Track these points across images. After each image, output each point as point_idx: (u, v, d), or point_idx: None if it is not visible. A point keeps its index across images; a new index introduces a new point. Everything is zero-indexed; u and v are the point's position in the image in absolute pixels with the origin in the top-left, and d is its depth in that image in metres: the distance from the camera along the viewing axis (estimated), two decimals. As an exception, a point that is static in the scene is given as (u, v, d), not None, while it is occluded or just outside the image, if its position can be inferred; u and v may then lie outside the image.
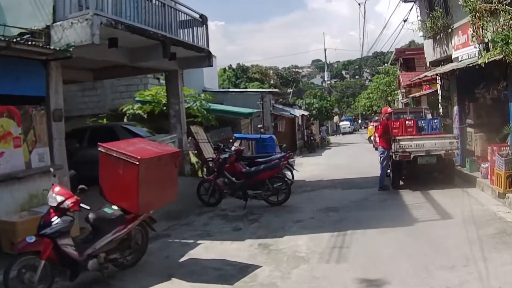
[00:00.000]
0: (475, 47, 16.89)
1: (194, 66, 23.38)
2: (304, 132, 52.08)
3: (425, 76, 25.01)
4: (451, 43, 21.25)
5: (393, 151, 17.70)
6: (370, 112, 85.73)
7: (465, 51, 19.11)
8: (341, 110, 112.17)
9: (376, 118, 71.44)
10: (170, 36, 16.65)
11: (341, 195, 18.22)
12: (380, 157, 18.52)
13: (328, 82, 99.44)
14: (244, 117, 29.32)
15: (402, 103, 53.86)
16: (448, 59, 22.11)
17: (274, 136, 26.82)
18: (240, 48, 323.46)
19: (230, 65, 79.13)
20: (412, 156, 17.53)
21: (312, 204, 16.57)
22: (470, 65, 16.27)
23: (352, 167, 28.20)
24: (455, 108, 22.18)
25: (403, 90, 51.42)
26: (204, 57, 20.46)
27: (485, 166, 16.79)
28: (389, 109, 20.39)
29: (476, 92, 19.56)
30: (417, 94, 39.26)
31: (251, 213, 15.57)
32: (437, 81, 26.36)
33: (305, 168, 29.20)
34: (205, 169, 21.71)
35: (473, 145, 19.66)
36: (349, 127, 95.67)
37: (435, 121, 20.63)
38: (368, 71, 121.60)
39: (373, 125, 50.50)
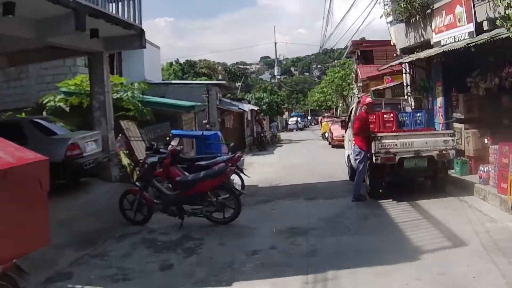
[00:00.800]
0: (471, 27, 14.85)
1: (123, 47, 20.47)
2: (253, 129, 49.86)
3: (401, 63, 22.27)
4: (431, 25, 18.55)
5: (373, 152, 14.34)
6: (324, 107, 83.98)
7: (450, 33, 16.50)
8: (291, 106, 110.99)
9: (327, 114, 69.59)
10: (86, 3, 13.22)
11: (307, 209, 14.59)
12: (356, 160, 14.98)
13: (278, 76, 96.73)
14: (185, 111, 25.34)
15: (358, 98, 50.24)
16: (426, 45, 19.45)
17: (219, 133, 22.82)
18: (189, 44, 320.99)
19: (177, 59, 78.37)
20: (397, 158, 14.28)
21: (270, 222, 12.74)
22: (471, 44, 13.48)
23: (311, 168, 25.50)
24: (439, 100, 19.06)
25: (360, 84, 49.74)
26: (135, 36, 17.11)
27: (485, 170, 13.88)
28: (369, 99, 16.62)
29: (469, 81, 16.59)
30: (380, 87, 36.52)
31: (189, 236, 11.66)
32: (407, 71, 23.70)
33: (257, 169, 25.49)
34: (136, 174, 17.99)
35: (463, 144, 16.40)
36: (299, 123, 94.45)
37: (419, 114, 17.53)
38: (319, 66, 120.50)
39: (327, 121, 49.66)
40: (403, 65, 23.13)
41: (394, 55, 26.58)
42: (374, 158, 14.27)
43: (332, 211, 13.79)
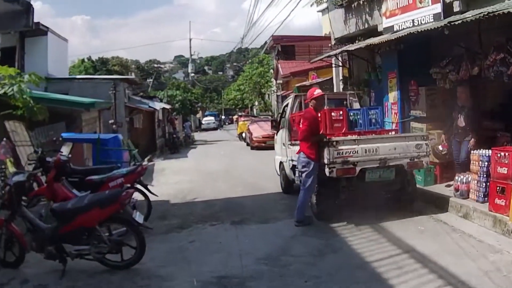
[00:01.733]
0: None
1: (5, 26, 17.14)
2: (165, 129, 46.12)
3: (343, 52, 19.50)
4: (379, 9, 17.04)
5: (326, 161, 10.94)
6: (240, 106, 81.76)
7: (407, 17, 15.00)
8: (204, 104, 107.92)
9: (240, 113, 67.16)
10: None
11: (237, 241, 10.75)
12: (302, 173, 11.47)
13: (192, 74, 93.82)
14: (84, 109, 20.82)
15: (278, 96, 50.25)
16: (370, 32, 17.79)
17: (120, 136, 18.40)
18: (105, 43, 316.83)
19: (90, 56, 75.43)
20: (358, 169, 11.13)
21: (187, 266, 9.04)
22: (455, 23, 11.36)
23: (233, 175, 21.97)
24: (392, 95, 16.50)
25: (280, 81, 49.00)
26: (20, 13, 15.23)
27: (464, 180, 11.73)
28: (319, 90, 12.66)
29: (434, 71, 14.09)
30: (306, 83, 34.36)
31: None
32: (343, 64, 21.99)
33: (169, 178, 22.10)
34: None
35: (424, 147, 13.49)
36: (213, 122, 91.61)
37: (374, 111, 14.52)
38: (234, 64, 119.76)
39: (244, 121, 47.33)
40: (338, 57, 21.06)
41: (329, 45, 23.62)
42: (327, 170, 10.90)
43: (272, 243, 10.18)
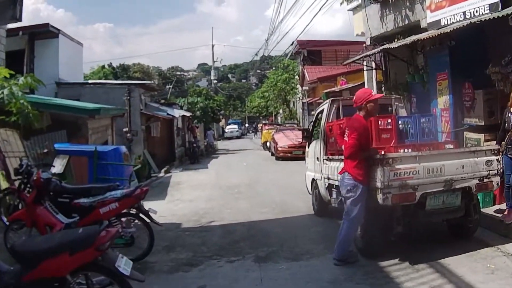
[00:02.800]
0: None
1: None
2: (185, 137, 44.31)
3: (382, 50, 16.91)
4: (421, 2, 15.27)
5: (379, 185, 8.54)
6: (264, 114, 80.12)
7: (456, 9, 13.12)
8: (227, 112, 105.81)
9: (264, 121, 65.76)
10: None
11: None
12: (347, 199, 9.00)
13: (215, 81, 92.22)
14: (88, 116, 18.67)
15: (304, 103, 48.95)
16: (411, 29, 16.03)
17: (123, 149, 16.13)
18: (127, 50, 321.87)
19: (110, 62, 74.60)
20: (418, 195, 8.73)
21: None
22: None
23: (256, 191, 19.80)
24: (442, 100, 14.46)
25: (306, 88, 47.14)
26: (5, 4, 14.01)
27: None
28: (373, 93, 10.31)
29: (492, 71, 12.11)
30: (335, 89, 32.44)
31: None
32: (377, 66, 19.89)
33: (184, 193, 20.02)
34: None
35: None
36: (237, 131, 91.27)
37: (426, 119, 11.51)
38: (258, 71, 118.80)
39: (268, 129, 45.40)
40: (372, 59, 19.45)
41: (364, 45, 21.25)
42: (380, 196, 8.52)
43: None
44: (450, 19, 13.29)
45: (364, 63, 20.83)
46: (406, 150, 9.46)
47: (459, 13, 12.89)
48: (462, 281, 7.77)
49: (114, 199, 9.58)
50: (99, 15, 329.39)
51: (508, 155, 9.72)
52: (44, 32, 24.66)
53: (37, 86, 14.30)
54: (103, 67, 64.77)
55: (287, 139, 34.28)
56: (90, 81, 35.20)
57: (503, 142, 9.96)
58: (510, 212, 9.71)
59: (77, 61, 32.08)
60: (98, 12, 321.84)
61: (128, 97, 27.04)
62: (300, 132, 24.89)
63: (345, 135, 9.14)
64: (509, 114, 9.67)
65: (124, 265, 6.31)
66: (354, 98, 9.33)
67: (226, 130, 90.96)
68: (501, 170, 9.53)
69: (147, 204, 13.70)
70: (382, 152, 9.03)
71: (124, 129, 25.63)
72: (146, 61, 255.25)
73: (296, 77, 54.47)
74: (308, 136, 14.37)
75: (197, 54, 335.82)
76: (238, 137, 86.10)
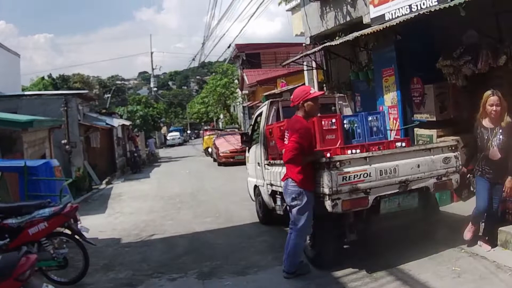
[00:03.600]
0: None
1: None
2: (126, 147, 43.02)
3: (323, 49, 16.48)
4: None
5: (327, 192, 7.85)
6: (204, 120, 79.81)
7: (401, 3, 12.80)
8: (169, 120, 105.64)
9: (208, 127, 65.62)
10: None
11: None
12: (292, 207, 8.34)
13: (155, 88, 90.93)
14: (21, 129, 17.58)
15: (245, 107, 49.24)
16: (353, 26, 15.58)
17: (55, 162, 15.09)
18: (68, 60, 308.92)
19: (50, 74, 74.57)
20: (371, 199, 8.11)
21: None
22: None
23: (199, 200, 19.04)
24: (389, 96, 13.95)
25: (246, 92, 47.22)
26: None
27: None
28: (312, 91, 9.59)
29: (443, 64, 11.54)
30: (275, 91, 32.47)
31: None
32: (312, 67, 20.42)
33: (125, 205, 19.17)
34: None
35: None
36: (178, 138, 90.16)
37: (374, 117, 10.69)
38: (198, 77, 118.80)
39: (209, 135, 45.03)
40: (312, 58, 19.47)
41: (303, 45, 20.83)
42: (329, 203, 7.83)
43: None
44: (395, 13, 12.95)
45: (305, 63, 20.46)
46: (354, 151, 8.83)
47: (404, 6, 12.58)
48: (425, 286, 7.35)
49: (43, 218, 8.81)
50: (40, 26, 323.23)
51: (486, 177, 8.69)
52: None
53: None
54: (42, 78, 64.39)
55: (228, 144, 33.81)
56: (26, 93, 34.06)
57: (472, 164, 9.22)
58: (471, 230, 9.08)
59: (14, 73, 31.41)
60: (38, 23, 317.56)
61: (65, 108, 26.04)
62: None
63: (285, 138, 8.38)
64: (481, 129, 8.68)
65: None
66: (292, 97, 8.62)
67: (168, 138, 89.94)
68: (460, 167, 9.05)
69: (87, 219, 12.99)
70: (328, 155, 8.37)
71: (63, 141, 24.74)
72: (87, 71, 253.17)
73: (236, 81, 54.18)
74: (248, 140, 13.64)
75: (138, 63, 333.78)
76: (180, 144, 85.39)
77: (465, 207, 10.48)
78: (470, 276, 7.59)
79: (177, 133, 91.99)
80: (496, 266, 7.86)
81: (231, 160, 31.79)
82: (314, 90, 8.47)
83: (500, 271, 7.62)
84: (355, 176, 7.85)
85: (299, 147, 7.85)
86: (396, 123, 13.35)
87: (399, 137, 12.84)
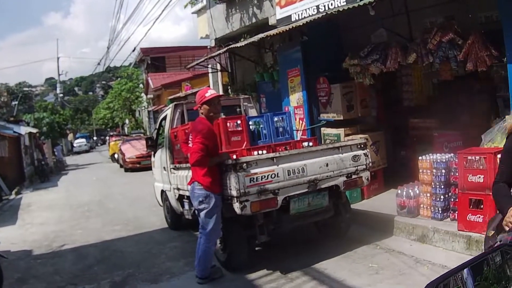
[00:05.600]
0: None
1: None
2: (33, 155, 41.66)
3: (228, 51, 16.23)
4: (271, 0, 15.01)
5: (235, 194, 7.76)
6: (110, 125, 78.54)
7: (308, 3, 12.81)
8: (75, 126, 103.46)
9: (113, 133, 64.77)
10: None
11: None
12: (200, 211, 8.19)
13: (61, 94, 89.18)
14: None
15: (150, 111, 49.31)
16: (259, 28, 15.79)
17: None
18: None
19: None
20: (280, 199, 8.06)
21: None
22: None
23: (107, 207, 18.52)
24: (295, 97, 14.02)
25: (151, 96, 47.77)
26: None
27: (411, 194, 9.62)
28: (211, 92, 9.30)
29: (350, 64, 11.88)
30: (180, 94, 32.40)
31: None
32: (217, 69, 20.55)
33: (35, 216, 18.43)
34: None
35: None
36: (85, 144, 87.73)
37: (280, 118, 10.78)
38: (103, 82, 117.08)
39: (115, 141, 44.31)
40: (217, 61, 19.19)
41: (208, 48, 20.70)
42: (237, 205, 7.76)
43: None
44: (302, 13, 12.94)
45: (209, 66, 20.27)
46: (260, 152, 8.82)
47: (312, 7, 12.56)
48: (346, 286, 7.33)
49: None
50: None
51: None
52: None
53: None
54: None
55: (134, 149, 33.40)
56: None
57: None
58: None
59: None
60: None
61: (-29, 117, 24.98)
62: (146, 141, 24.15)
63: (189, 141, 8.29)
64: None
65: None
66: (196, 99, 8.55)
67: (75, 145, 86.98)
68: (370, 165, 9.18)
69: (-2, 231, 12.47)
70: (234, 157, 8.31)
71: (-32, 151, 23.37)
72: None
73: (141, 85, 53.44)
74: (153, 145, 13.48)
75: (44, 69, 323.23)
76: (87, 151, 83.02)
77: (375, 204, 10.88)
78: (389, 271, 7.66)
79: (84, 140, 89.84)
80: (415, 261, 7.97)
81: (138, 165, 31.40)
82: (211, 93, 8.30)
83: (419, 265, 7.73)
84: (263, 177, 7.78)
85: (204, 148, 7.72)
86: (302, 123, 13.35)
87: (305, 137, 12.75)
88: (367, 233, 9.70)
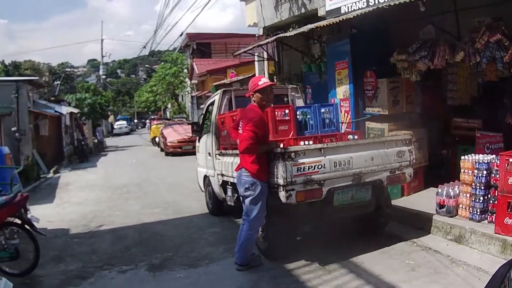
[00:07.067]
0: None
1: None
2: (73, 135, 41.83)
3: (276, 40, 16.06)
4: None
5: (282, 182, 7.69)
6: (152, 109, 78.63)
7: None
8: (116, 108, 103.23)
9: (153, 116, 64.93)
10: None
11: None
12: (245, 198, 8.12)
13: (104, 76, 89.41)
14: None
15: (193, 97, 48.53)
16: (308, 18, 15.33)
17: (6, 149, 14.68)
18: (20, 47, 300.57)
19: (3, 60, 72.26)
20: (325, 190, 7.98)
21: None
22: None
23: (147, 190, 18.54)
24: (341, 89, 13.61)
25: (195, 81, 46.83)
26: None
27: (451, 193, 9.35)
28: (264, 80, 8.91)
29: (398, 59, 11.49)
30: (225, 81, 31.75)
31: None
32: (264, 58, 20.35)
33: (73, 195, 18.49)
34: None
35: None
36: (126, 127, 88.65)
37: (327, 109, 10.50)
38: (147, 66, 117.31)
39: (157, 124, 44.39)
40: (265, 49, 19.08)
41: (256, 36, 20.57)
42: (283, 194, 7.69)
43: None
44: (351, 6, 12.69)
45: (256, 54, 20.16)
46: (307, 143, 8.74)
47: (361, 0, 12.31)
48: (382, 281, 7.18)
49: None
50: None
51: None
52: None
53: None
54: (-6, 64, 62.30)
55: (176, 133, 33.43)
56: (-27, 79, 33.10)
57: None
58: None
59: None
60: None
61: (16, 95, 25.28)
62: (189, 126, 23.98)
63: (239, 128, 8.25)
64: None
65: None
66: (248, 86, 8.48)
67: (115, 127, 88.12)
68: (413, 161, 9.03)
69: (36, 208, 12.57)
70: (282, 146, 8.22)
71: (13, 129, 23.88)
72: (38, 58, 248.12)
73: (185, 70, 53.41)
74: (198, 130, 13.48)
75: (87, 50, 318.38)
76: (127, 133, 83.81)
77: (415, 201, 10.60)
78: (425, 269, 7.53)
79: (124, 122, 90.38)
80: (450, 261, 7.82)
81: (179, 150, 31.52)
82: (265, 81, 8.25)
83: (455, 265, 7.57)
84: (310, 167, 7.73)
85: (254, 136, 7.65)
86: (347, 116, 13.14)
87: (350, 129, 12.51)
88: (404, 230, 9.66)
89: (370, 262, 7.91)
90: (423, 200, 10.42)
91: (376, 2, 11.56)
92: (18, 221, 8.89)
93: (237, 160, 8.38)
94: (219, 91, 12.30)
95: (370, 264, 7.79)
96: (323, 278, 7.44)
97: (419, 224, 9.70)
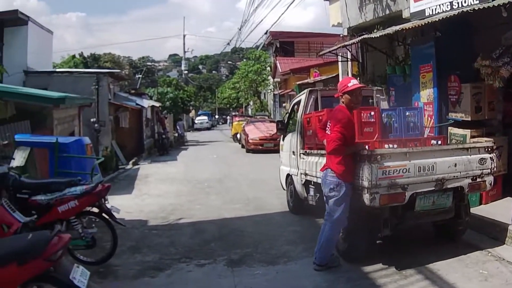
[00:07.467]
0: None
1: None
2: (154, 128, 42.71)
3: (361, 40, 15.56)
4: None
5: (366, 185, 7.69)
6: (235, 105, 79.05)
7: None
8: (198, 103, 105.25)
9: (234, 113, 65.06)
10: None
11: None
12: (329, 198, 8.11)
13: (185, 71, 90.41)
14: (53, 105, 17.40)
15: (275, 95, 48.87)
16: (392, 20, 15.09)
17: (87, 140, 14.82)
18: (99, 40, 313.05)
19: (82, 52, 72.59)
20: (408, 195, 7.92)
21: None
22: None
23: (228, 186, 18.62)
24: (425, 93, 13.27)
25: (278, 80, 46.50)
26: None
27: None
28: (353, 82, 8.75)
29: (481, 64, 11.04)
30: (308, 80, 31.65)
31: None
32: (347, 58, 19.54)
33: (152, 187, 18.85)
34: None
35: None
36: (206, 122, 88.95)
37: (412, 113, 10.76)
38: (229, 62, 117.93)
39: (239, 121, 44.50)
40: (349, 50, 18.55)
41: (341, 36, 20.30)
42: (367, 196, 7.68)
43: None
44: (435, 9, 12.50)
45: (340, 54, 20.02)
46: (391, 146, 8.75)
47: (445, 3, 12.09)
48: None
49: (74, 196, 8.57)
50: (72, 4, 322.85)
51: None
52: (13, 19, 23.12)
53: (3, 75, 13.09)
54: (73, 56, 63.31)
55: (258, 131, 33.44)
56: (58, 70, 33.50)
57: None
58: None
59: (47, 50, 30.82)
60: (70, 1, 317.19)
61: (97, 86, 25.72)
62: (271, 124, 24.07)
63: (327, 128, 8.14)
64: None
65: (80, 276, 5.44)
66: (338, 87, 8.49)
67: (196, 121, 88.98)
68: (494, 169, 8.80)
69: (113, 199, 12.76)
70: (368, 148, 8.22)
71: (92, 120, 24.39)
72: (117, 51, 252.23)
73: (268, 68, 53.57)
74: (283, 128, 13.50)
75: (168, 45, 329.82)
76: (208, 129, 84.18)
77: (491, 210, 10.40)
78: (497, 280, 7.44)
79: (205, 117, 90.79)
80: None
81: (260, 147, 31.58)
82: (354, 83, 8.21)
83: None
84: (395, 171, 7.69)
85: (342, 138, 7.70)
86: (431, 120, 12.90)
87: (433, 134, 12.39)
88: (479, 239, 9.49)
89: (445, 269, 7.84)
90: (499, 210, 10.19)
91: (460, 5, 11.41)
92: (96, 210, 9.12)
93: (321, 160, 8.45)
94: (305, 91, 12.30)
95: (446, 272, 7.73)
96: (399, 283, 7.43)
97: (494, 234, 9.52)
